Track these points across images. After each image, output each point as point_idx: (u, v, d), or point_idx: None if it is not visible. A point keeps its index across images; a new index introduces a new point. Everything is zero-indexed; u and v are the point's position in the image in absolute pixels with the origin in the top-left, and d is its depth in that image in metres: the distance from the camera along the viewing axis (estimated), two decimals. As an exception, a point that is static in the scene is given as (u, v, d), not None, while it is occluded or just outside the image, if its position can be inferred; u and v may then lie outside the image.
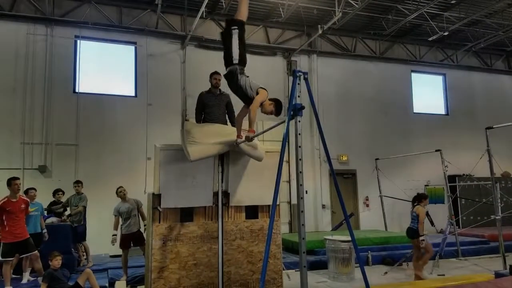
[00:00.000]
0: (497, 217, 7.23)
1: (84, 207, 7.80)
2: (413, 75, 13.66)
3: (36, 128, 9.58)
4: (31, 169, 9.36)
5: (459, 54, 13.96)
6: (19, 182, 6.18)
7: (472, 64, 14.32)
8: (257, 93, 4.50)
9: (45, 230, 6.85)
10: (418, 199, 6.77)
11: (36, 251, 6.16)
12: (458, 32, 12.36)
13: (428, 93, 13.92)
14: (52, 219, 7.55)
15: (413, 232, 6.55)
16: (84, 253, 7.85)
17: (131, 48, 10.70)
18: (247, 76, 4.64)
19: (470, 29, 12.30)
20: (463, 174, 12.09)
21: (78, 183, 7.95)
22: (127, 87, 10.58)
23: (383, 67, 13.03)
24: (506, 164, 12.59)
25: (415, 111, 13.40)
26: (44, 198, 7.68)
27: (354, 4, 10.04)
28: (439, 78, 14.25)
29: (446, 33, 11.53)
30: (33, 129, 9.55)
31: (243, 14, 4.73)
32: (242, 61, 4.65)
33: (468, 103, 14.03)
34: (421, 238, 6.35)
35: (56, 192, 8.05)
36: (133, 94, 10.58)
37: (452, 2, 10.71)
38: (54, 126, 9.67)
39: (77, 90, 10.05)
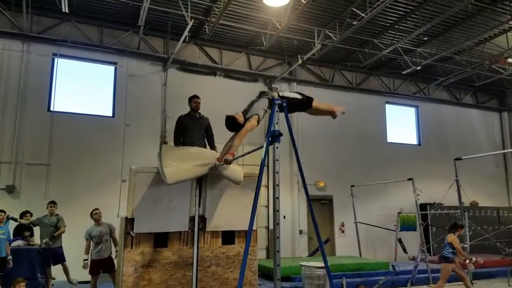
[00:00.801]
0: (465, 245, 7.43)
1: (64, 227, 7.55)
2: (387, 106, 14.15)
3: (6, 146, 9.26)
4: (-2, 189, 8.99)
5: (430, 87, 14.61)
6: None
7: (443, 98, 14.99)
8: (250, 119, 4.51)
9: (10, 257, 6.52)
10: (454, 228, 6.89)
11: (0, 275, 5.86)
12: (430, 67, 13.00)
13: (401, 123, 14.43)
14: (19, 242, 7.24)
15: (442, 258, 6.82)
16: (53, 279, 7.51)
17: (111, 68, 10.66)
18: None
19: (441, 65, 12.96)
20: (434, 203, 12.43)
21: (53, 203, 7.67)
22: (104, 107, 10.46)
23: (359, 97, 13.46)
24: (475, 193, 13.06)
25: (389, 140, 13.80)
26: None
27: (332, 37, 10.46)
28: (412, 110, 14.80)
29: (418, 68, 12.12)
30: (2, 147, 9.23)
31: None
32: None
33: (439, 134, 14.59)
34: (471, 261, 6.69)
35: (23, 214, 7.73)
36: (110, 114, 10.46)
37: (425, 39, 11.32)
38: (26, 144, 9.37)
39: (52, 109, 9.84)
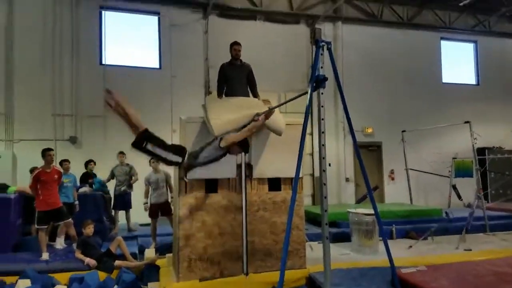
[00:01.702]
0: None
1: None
2: (443, 42, 13.07)
3: (66, 99, 9.86)
4: (62, 140, 9.72)
5: (491, 20, 13.17)
6: (53, 153, 6.48)
7: (505, 31, 13.51)
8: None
9: (76, 202, 7.20)
10: None
11: (70, 219, 6.50)
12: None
13: (458, 62, 13.34)
14: (85, 189, 7.89)
15: None
16: (118, 222, 8.24)
17: (155, 18, 10.70)
18: None
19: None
20: (493, 147, 11.71)
21: (122, 153, 8.23)
22: (151, 59, 10.66)
23: (411, 34, 12.51)
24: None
25: (444, 81, 12.90)
26: (75, 168, 8.02)
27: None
28: (471, 46, 13.58)
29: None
30: (63, 101, 9.84)
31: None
32: None
33: (501, 72, 13.38)
34: None
35: (88, 162, 8.38)
36: (157, 66, 10.66)
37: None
38: (82, 98, 9.92)
39: (103, 62, 10.20)
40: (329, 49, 3.57)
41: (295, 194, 3.64)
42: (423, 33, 12.67)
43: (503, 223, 8.96)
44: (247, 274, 5.20)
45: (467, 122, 9.06)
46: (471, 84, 13.36)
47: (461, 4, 11.39)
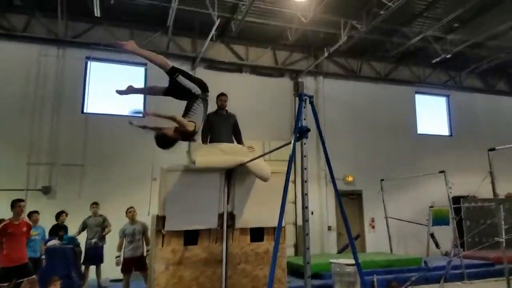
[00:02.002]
0: (500, 240, 7.15)
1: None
2: (417, 96, 13.76)
3: (43, 148, 9.67)
4: (34, 190, 9.36)
5: (462, 75, 14.08)
6: (23, 204, 6.13)
7: (475, 86, 14.42)
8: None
9: (43, 256, 6.81)
10: None
11: (34, 276, 6.08)
12: (461, 54, 12.47)
13: (432, 114, 13.99)
14: (54, 242, 7.49)
15: None
16: (88, 278, 7.80)
17: (141, 69, 10.92)
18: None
19: (473, 51, 12.42)
20: (468, 196, 12.00)
21: (95, 204, 8.00)
22: (136, 108, 10.71)
23: (388, 88, 13.15)
24: (510, 184, 12.52)
25: (419, 132, 13.43)
26: (46, 220, 7.71)
27: (359, 28, 10.24)
28: (443, 99, 14.32)
29: (449, 56, 11.67)
30: (40, 150, 9.64)
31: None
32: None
33: (472, 124, 14.05)
34: None
35: (59, 214, 8.05)
36: (141, 115, 10.69)
37: (455, 25, 10.87)
38: (61, 146, 9.76)
39: (85, 111, 10.20)
40: (311, 102, 3.73)
41: (278, 244, 3.60)
42: (399, 87, 13.34)
43: (479, 271, 9.03)
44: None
45: (442, 171, 9.35)
46: (445, 135, 13.94)
47: (433, 61, 12.19)
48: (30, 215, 7.03)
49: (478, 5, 9.75)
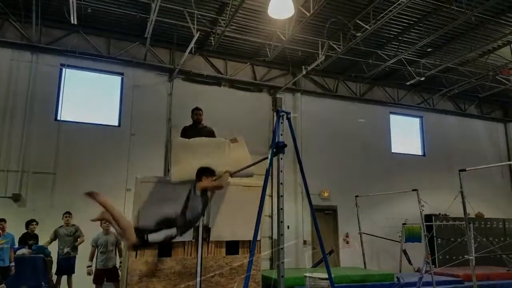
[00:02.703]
0: (470, 257, 7.37)
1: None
2: (392, 116, 14.16)
3: (13, 155, 9.36)
4: (4, 197, 9.04)
5: (435, 98, 14.62)
6: None
7: (447, 108, 14.98)
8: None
9: (12, 264, 6.60)
10: None
11: (3, 284, 5.89)
12: (434, 78, 13.04)
13: (406, 134, 14.41)
14: (23, 251, 7.28)
15: None
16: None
17: (118, 78, 10.80)
18: None
19: (445, 75, 12.99)
20: (439, 214, 12.34)
21: (68, 214, 7.84)
22: (111, 117, 10.57)
23: (364, 107, 13.48)
24: (480, 205, 12.98)
25: (393, 151, 13.78)
26: (16, 229, 7.45)
27: (336, 48, 10.56)
28: (417, 120, 14.80)
29: (422, 78, 12.15)
30: (10, 156, 9.33)
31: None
32: None
33: (443, 145, 14.53)
34: None
35: (29, 222, 7.81)
36: (116, 123, 10.57)
37: (428, 50, 11.37)
38: (32, 153, 9.47)
39: (59, 118, 9.97)
40: (288, 119, 3.82)
41: (253, 257, 3.61)
42: (374, 107, 13.70)
43: (449, 287, 9.23)
44: None
45: (414, 190, 9.61)
46: (418, 155, 14.35)
47: (407, 83, 12.65)
48: None
49: (450, 32, 10.28)
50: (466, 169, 7.81)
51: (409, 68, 12.03)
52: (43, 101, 9.85)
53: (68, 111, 10.12)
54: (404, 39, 10.71)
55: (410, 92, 14.25)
